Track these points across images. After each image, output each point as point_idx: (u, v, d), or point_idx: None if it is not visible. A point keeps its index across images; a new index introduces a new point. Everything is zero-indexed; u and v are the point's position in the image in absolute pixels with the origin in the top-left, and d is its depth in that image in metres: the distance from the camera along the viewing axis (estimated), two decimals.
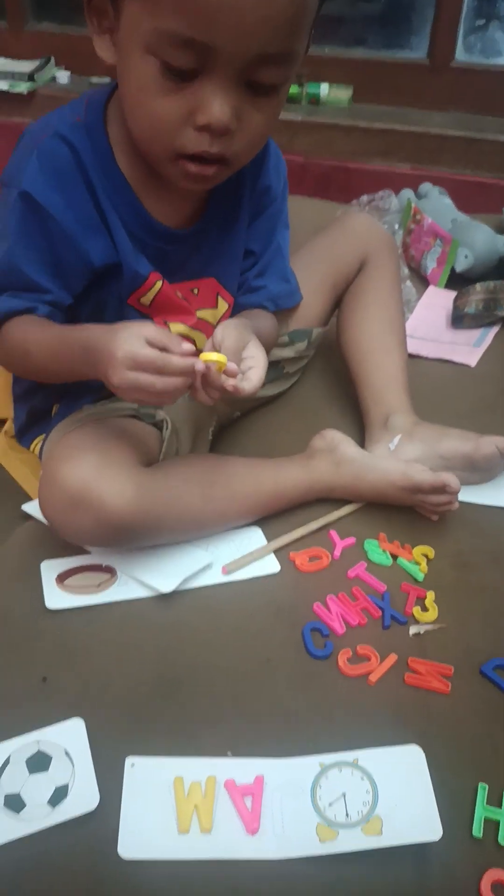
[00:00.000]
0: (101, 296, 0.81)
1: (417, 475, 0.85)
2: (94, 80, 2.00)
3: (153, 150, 0.71)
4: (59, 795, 0.59)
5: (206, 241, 0.84)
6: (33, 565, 0.80)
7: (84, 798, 0.59)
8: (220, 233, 0.85)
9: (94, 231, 0.76)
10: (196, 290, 0.87)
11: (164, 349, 0.65)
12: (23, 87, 1.95)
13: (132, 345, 0.64)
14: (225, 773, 0.62)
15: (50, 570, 0.79)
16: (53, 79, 2.03)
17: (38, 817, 0.58)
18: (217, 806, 0.60)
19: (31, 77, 1.96)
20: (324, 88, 1.96)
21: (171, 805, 0.60)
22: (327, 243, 1.08)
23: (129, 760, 0.62)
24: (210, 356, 0.69)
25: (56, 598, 0.76)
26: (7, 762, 0.62)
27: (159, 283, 0.82)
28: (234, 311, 0.93)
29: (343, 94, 1.98)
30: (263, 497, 0.85)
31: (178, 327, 0.87)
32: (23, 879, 0.56)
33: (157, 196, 0.78)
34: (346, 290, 1.06)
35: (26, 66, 1.99)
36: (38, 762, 0.61)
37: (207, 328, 0.89)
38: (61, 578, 0.78)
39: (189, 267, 0.85)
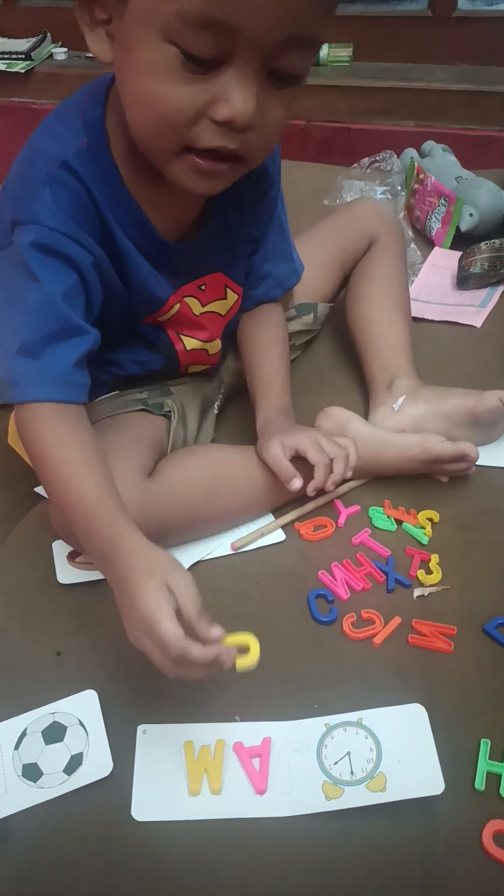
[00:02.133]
0: (110, 316, 0.78)
1: (436, 447, 0.84)
2: (90, 55, 1.99)
3: (158, 145, 0.65)
4: (74, 763, 0.62)
5: (213, 244, 0.83)
6: (46, 544, 0.82)
7: (98, 765, 0.62)
8: (224, 233, 0.83)
9: (109, 259, 0.73)
10: (204, 287, 0.85)
11: (189, 625, 0.58)
12: (20, 66, 1.94)
13: (157, 607, 0.57)
14: (233, 737, 0.64)
15: (62, 548, 0.81)
16: (50, 55, 2.02)
17: (54, 785, 0.61)
18: (226, 768, 0.62)
19: (27, 56, 1.96)
20: (323, 49, 1.92)
21: (181, 769, 0.62)
22: (335, 225, 1.10)
23: (140, 728, 0.65)
24: (237, 639, 0.60)
25: (67, 573, 0.78)
26: (24, 734, 0.64)
27: (177, 306, 0.82)
28: (245, 303, 0.92)
29: (343, 52, 1.95)
30: (275, 489, 0.83)
31: (191, 342, 0.86)
32: (41, 844, 0.59)
33: (161, 205, 0.75)
34: (353, 269, 1.07)
35: (22, 45, 1.98)
36: (54, 733, 0.64)
37: (216, 319, 0.89)
38: (73, 556, 0.80)
39: (196, 269, 0.83)
